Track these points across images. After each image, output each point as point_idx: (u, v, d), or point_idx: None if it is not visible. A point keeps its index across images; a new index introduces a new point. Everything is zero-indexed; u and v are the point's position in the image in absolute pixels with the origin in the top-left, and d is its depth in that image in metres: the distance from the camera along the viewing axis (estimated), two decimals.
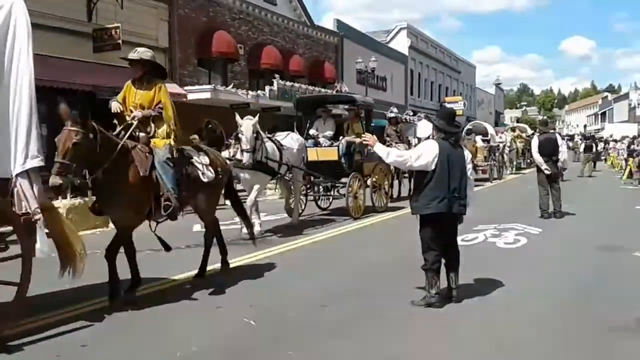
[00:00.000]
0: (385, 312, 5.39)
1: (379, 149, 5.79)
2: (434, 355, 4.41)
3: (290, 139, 10.87)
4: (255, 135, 9.35)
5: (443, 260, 5.63)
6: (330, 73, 29.33)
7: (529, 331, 4.83)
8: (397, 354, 4.41)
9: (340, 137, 12.11)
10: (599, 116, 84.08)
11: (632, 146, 22.67)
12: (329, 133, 12.19)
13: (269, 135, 10.50)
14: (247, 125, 9.36)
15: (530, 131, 31.93)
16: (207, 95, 19.58)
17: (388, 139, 15.42)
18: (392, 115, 16.62)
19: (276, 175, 10.47)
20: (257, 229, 9.36)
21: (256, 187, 9.78)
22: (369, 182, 12.38)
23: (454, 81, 53.95)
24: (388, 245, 8.98)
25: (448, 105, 32.13)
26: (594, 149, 26.00)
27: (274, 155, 10.06)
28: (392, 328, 4.97)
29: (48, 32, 15.00)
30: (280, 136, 10.84)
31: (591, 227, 10.24)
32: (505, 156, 25.92)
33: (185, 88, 19.46)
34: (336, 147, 11.73)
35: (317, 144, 12.05)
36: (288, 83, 24.39)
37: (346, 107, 14.18)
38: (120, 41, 16.11)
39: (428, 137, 5.99)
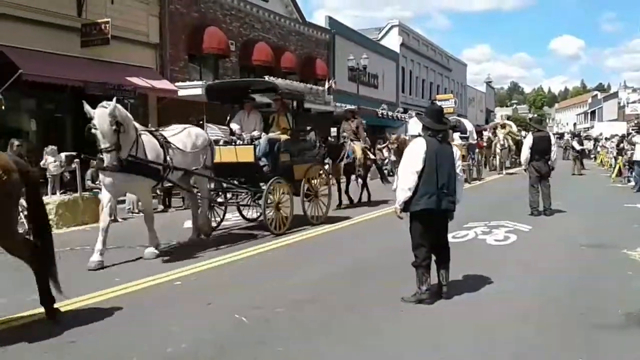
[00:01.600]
0: (375, 309, 5.40)
1: (397, 200, 5.62)
2: (423, 351, 4.42)
3: (186, 135, 8.68)
4: (115, 127, 7.13)
5: (433, 257, 5.65)
6: (322, 70, 29.31)
7: (519, 328, 4.86)
8: (387, 350, 4.41)
9: (262, 134, 9.99)
10: (589, 115, 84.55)
11: (621, 144, 22.77)
12: (255, 133, 9.94)
13: (150, 129, 8.56)
14: (100, 115, 7.12)
15: (515, 128, 31.22)
16: (198, 91, 19.48)
17: (344, 134, 13.79)
18: (349, 108, 15.08)
19: (161, 180, 8.29)
20: (150, 251, 7.86)
21: (129, 196, 7.80)
22: (305, 188, 10.30)
23: (445, 79, 54.09)
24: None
25: (439, 103, 32.19)
26: (574, 147, 26.10)
27: (154, 154, 7.87)
28: (382, 324, 4.98)
29: (38, 27, 14.90)
30: (172, 130, 8.68)
31: (580, 225, 10.30)
32: (497, 155, 25.15)
33: (176, 84, 19.38)
34: (252, 146, 9.56)
35: (234, 141, 10.02)
36: (279, 80, 24.31)
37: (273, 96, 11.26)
38: (109, 36, 16.01)
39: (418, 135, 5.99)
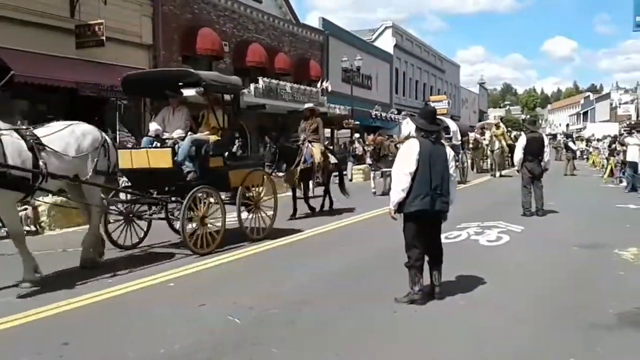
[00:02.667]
0: (368, 310, 5.41)
1: (391, 202, 5.63)
2: (416, 352, 4.44)
3: (69, 134, 6.94)
4: None
5: (426, 258, 5.67)
6: (316, 71, 29.33)
7: (511, 328, 4.88)
8: (380, 350, 4.43)
9: (190, 134, 8.56)
10: (581, 116, 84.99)
11: (613, 145, 22.91)
12: (178, 133, 8.47)
13: (18, 127, 6.88)
14: None
15: (504, 129, 29.87)
16: (192, 92, 19.43)
17: (302, 135, 12.09)
18: (308, 105, 12.94)
19: (29, 192, 6.60)
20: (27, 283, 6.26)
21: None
22: (243, 197, 8.90)
23: (439, 80, 54.26)
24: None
25: (432, 104, 32.23)
26: (570, 147, 26.24)
27: (18, 159, 6.22)
28: (375, 325, 4.99)
29: (30, 28, 14.85)
30: (49, 128, 6.91)
31: (573, 225, 10.35)
32: (495, 158, 23.80)
33: None
34: (169, 149, 8.11)
35: (153, 142, 8.61)
36: (273, 81, 24.34)
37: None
38: (103, 38, 15.99)
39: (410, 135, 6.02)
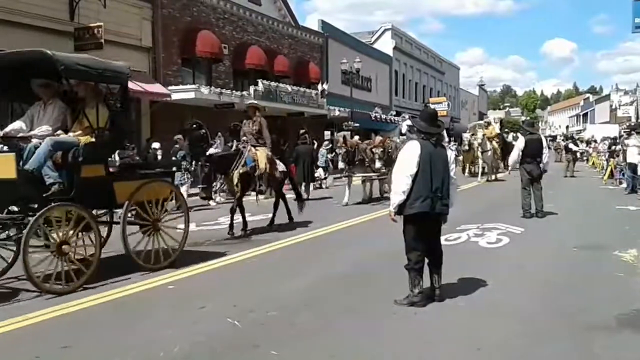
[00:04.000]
0: (368, 311, 5.41)
1: (392, 204, 5.63)
2: (416, 354, 4.43)
3: None
4: None
5: (426, 260, 5.67)
6: (315, 73, 29.37)
7: (511, 330, 4.87)
8: (379, 353, 4.42)
9: (60, 134, 6.65)
10: (581, 117, 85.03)
11: (613, 147, 22.91)
12: (42, 131, 6.55)
13: None
14: None
15: (497, 129, 26.53)
16: (192, 95, 19.52)
17: (244, 137, 10.36)
18: (251, 102, 11.19)
19: None
20: None
21: None
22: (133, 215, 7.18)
23: (438, 82, 54.34)
24: None
25: (432, 106, 32.14)
26: (572, 149, 26.31)
27: None
28: (375, 327, 4.99)
29: (29, 31, 14.85)
30: None
31: (572, 227, 10.35)
32: (486, 160, 21.82)
33: (169, 88, 19.38)
34: (11, 155, 6.17)
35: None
36: (273, 83, 24.36)
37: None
38: (102, 40, 16.02)
39: (404, 134, 6.01)
